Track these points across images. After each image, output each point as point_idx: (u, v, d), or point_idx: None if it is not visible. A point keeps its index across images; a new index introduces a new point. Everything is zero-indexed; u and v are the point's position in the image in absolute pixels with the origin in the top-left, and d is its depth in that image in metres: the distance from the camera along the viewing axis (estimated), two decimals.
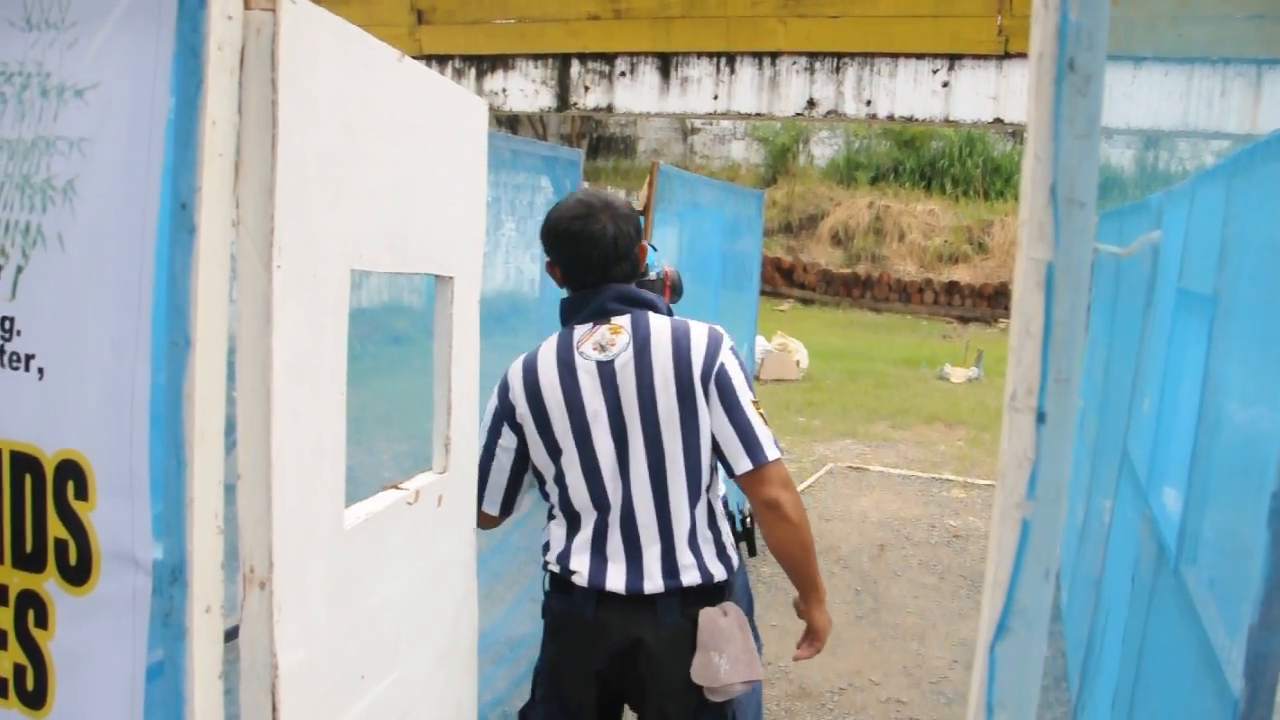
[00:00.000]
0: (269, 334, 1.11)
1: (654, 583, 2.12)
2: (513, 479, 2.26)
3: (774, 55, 6.14)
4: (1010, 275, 21.47)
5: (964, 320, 19.98)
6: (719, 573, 2.17)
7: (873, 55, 5.91)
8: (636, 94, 6.49)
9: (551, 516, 2.26)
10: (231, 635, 1.12)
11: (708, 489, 2.19)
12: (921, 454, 8.43)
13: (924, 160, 24.36)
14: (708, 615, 2.13)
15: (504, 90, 6.75)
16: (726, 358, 2.15)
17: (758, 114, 6.24)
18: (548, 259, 2.27)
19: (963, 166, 23.81)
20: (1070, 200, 0.82)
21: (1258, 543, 1.38)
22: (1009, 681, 0.87)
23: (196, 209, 1.05)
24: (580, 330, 2.19)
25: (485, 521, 2.27)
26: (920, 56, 5.80)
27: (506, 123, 27.35)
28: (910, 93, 5.91)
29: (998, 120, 5.73)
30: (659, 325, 2.17)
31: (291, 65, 1.12)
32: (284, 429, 1.13)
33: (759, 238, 6.32)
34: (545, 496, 2.27)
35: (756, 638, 2.34)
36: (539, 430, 2.17)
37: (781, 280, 22.03)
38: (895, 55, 5.84)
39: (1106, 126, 5.11)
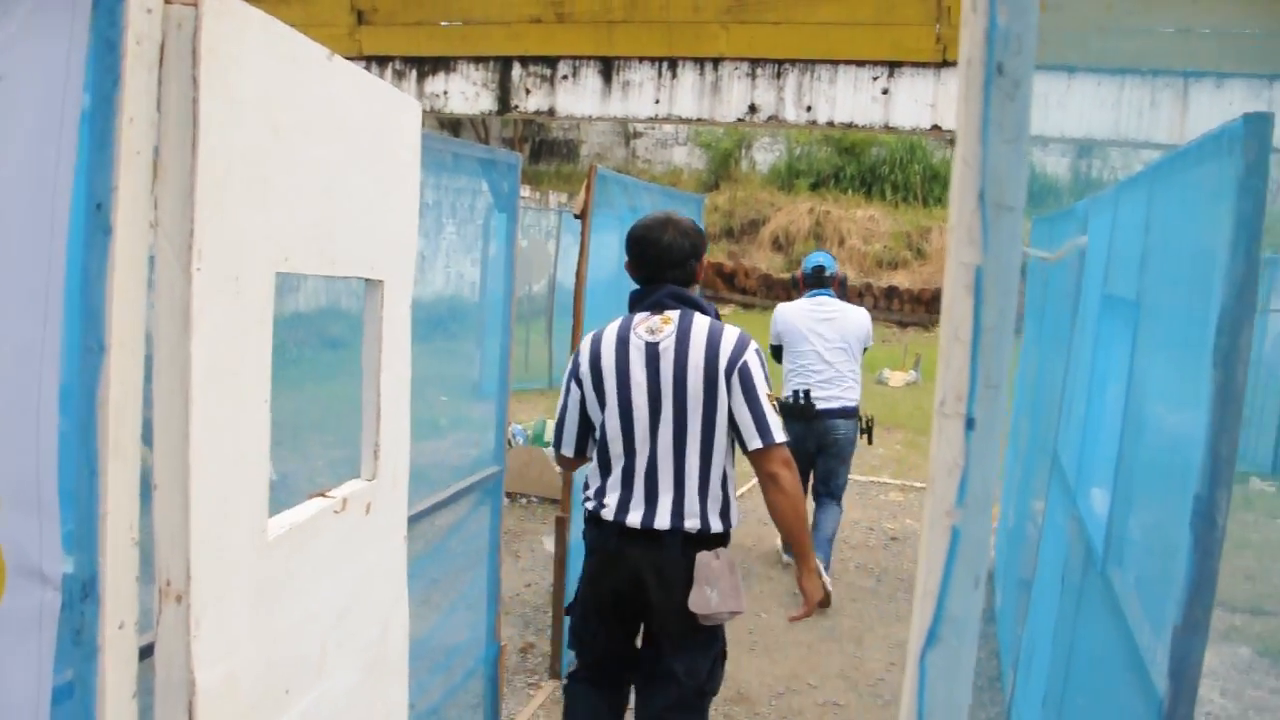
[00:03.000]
0: (187, 339, 1.07)
1: (663, 521, 2.69)
2: (582, 427, 2.87)
3: (716, 61, 6.16)
4: None
5: (902, 325, 20.25)
6: (717, 525, 2.73)
7: (814, 62, 5.94)
8: (578, 97, 6.48)
9: (593, 461, 2.86)
10: (147, 653, 1.08)
11: (723, 457, 2.73)
12: (860, 457, 8.49)
13: (864, 167, 24.65)
14: (703, 557, 2.68)
15: (445, 92, 6.70)
16: (750, 357, 2.72)
17: (699, 119, 6.25)
18: (626, 258, 2.90)
19: (902, 173, 24.14)
20: (999, 205, 0.82)
21: (1181, 544, 1.39)
22: (939, 690, 0.86)
23: (113, 209, 1.01)
24: (639, 316, 2.80)
25: (565, 464, 3.03)
26: (860, 64, 5.84)
27: (449, 125, 27.17)
28: (850, 99, 5.96)
29: (936, 127, 5.80)
30: (700, 323, 2.74)
31: (214, 62, 1.09)
32: (203, 437, 1.10)
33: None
34: (594, 442, 2.86)
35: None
36: (594, 387, 2.78)
37: (723, 285, 22.14)
38: (836, 62, 5.88)
39: (1041, 135, 5.20)
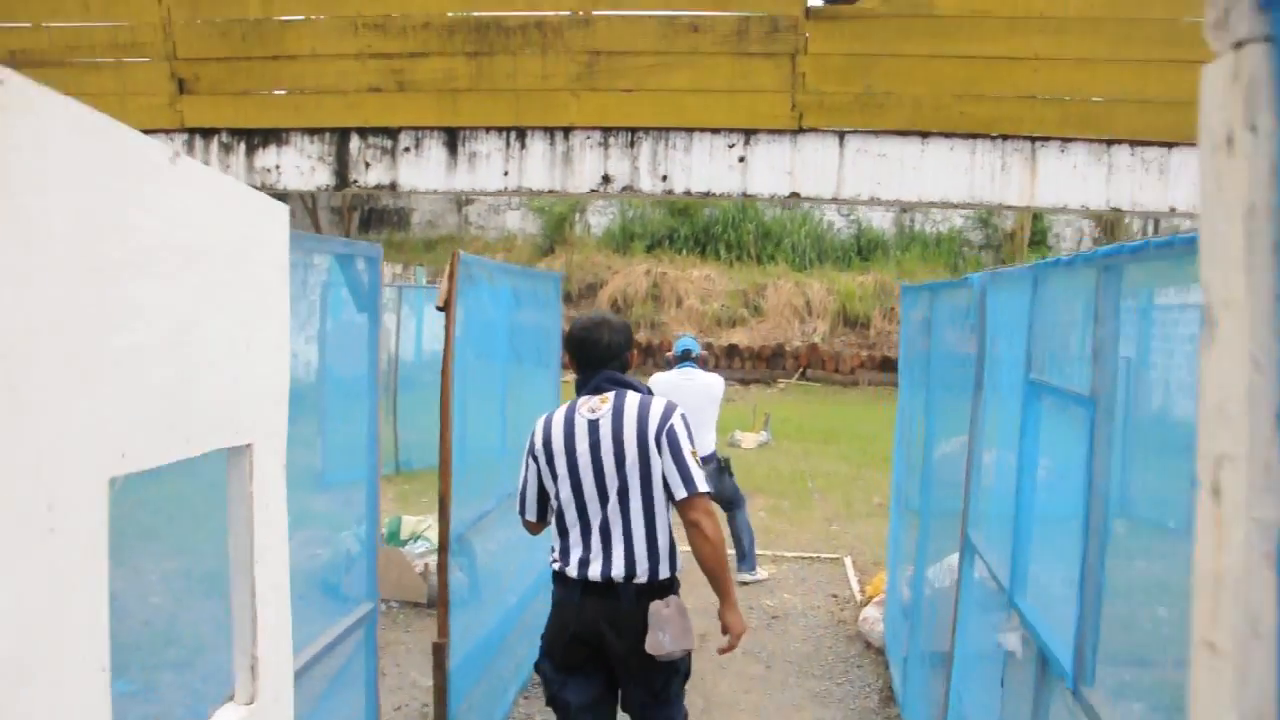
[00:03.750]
0: None
1: (618, 572, 3.10)
2: (541, 497, 3.31)
3: (567, 130, 5.93)
4: (785, 336, 22.13)
5: (745, 383, 20.39)
6: (664, 573, 3.15)
7: (668, 130, 5.78)
8: (421, 170, 6.13)
9: (554, 524, 3.28)
10: None
11: (664, 511, 3.15)
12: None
13: (698, 227, 24.98)
14: (654, 606, 3.09)
15: (278, 167, 6.23)
16: (675, 421, 3.16)
17: (551, 190, 6.00)
18: (566, 354, 3.45)
19: (735, 232, 24.56)
20: None
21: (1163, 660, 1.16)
22: None
23: None
24: (582, 399, 3.26)
25: (531, 528, 3.43)
26: (716, 131, 5.72)
27: (278, 195, 26.21)
28: (707, 167, 5.82)
29: (794, 194, 5.71)
30: (632, 399, 3.21)
31: (4, 176, 0.73)
32: None
33: (558, 318, 6.06)
34: (552, 510, 3.28)
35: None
36: (547, 463, 3.21)
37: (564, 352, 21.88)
38: (691, 130, 5.73)
39: (899, 200, 5.09)
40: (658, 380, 6.80)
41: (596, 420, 3.16)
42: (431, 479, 3.89)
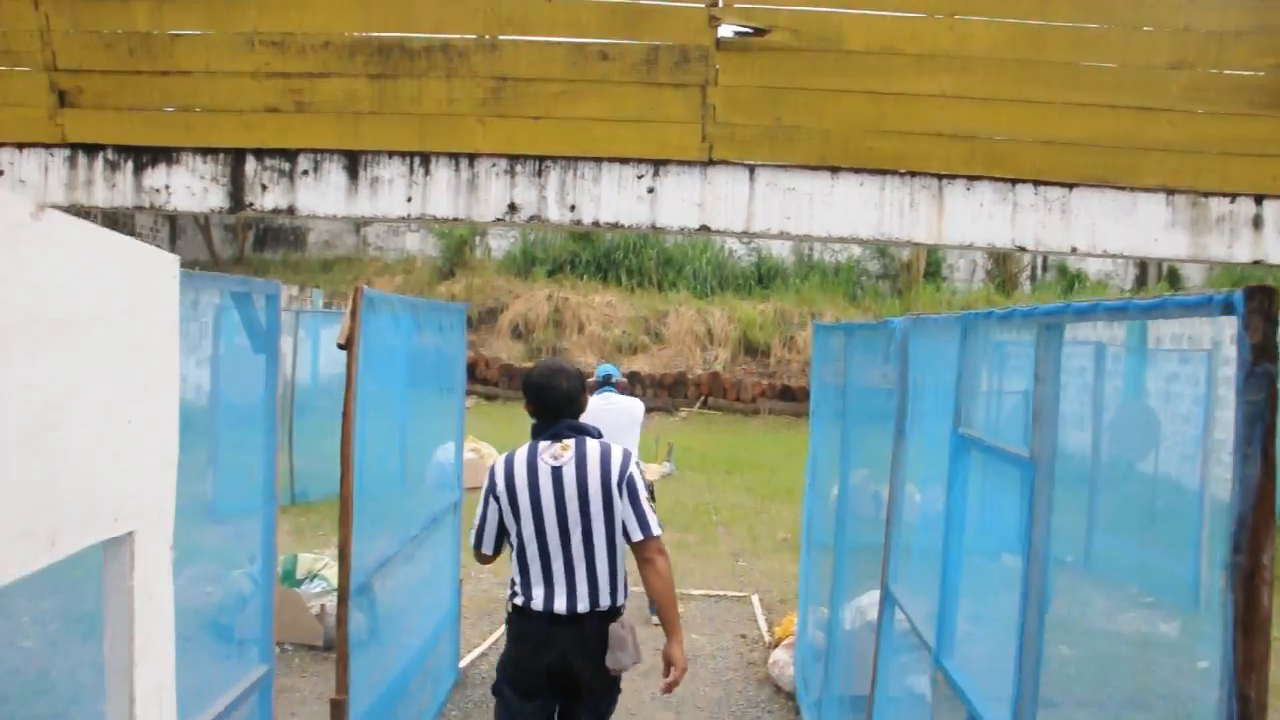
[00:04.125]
0: None
1: (584, 604, 3.40)
2: (499, 533, 3.55)
3: (472, 157, 5.78)
4: (687, 364, 22.16)
5: (648, 411, 20.30)
6: (620, 599, 3.50)
7: (576, 159, 5.68)
8: (321, 194, 5.91)
9: (514, 560, 3.52)
10: None
11: (620, 548, 3.47)
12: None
13: (599, 252, 24.93)
14: (613, 629, 3.43)
15: (167, 187, 5.95)
16: (633, 470, 3.48)
17: (455, 218, 5.83)
18: (526, 401, 3.63)
19: (637, 258, 24.58)
20: None
21: None
22: None
23: None
24: (543, 444, 3.50)
25: (485, 560, 3.66)
26: (625, 161, 5.64)
27: (166, 219, 25.31)
28: (615, 198, 5.74)
29: (704, 227, 5.65)
30: (593, 446, 3.50)
31: None
32: None
33: (463, 348, 5.88)
34: (511, 546, 3.53)
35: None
36: (509, 503, 3.46)
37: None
38: (600, 159, 5.63)
39: (809, 235, 5.07)
40: (615, 399, 7.17)
41: (559, 467, 3.43)
42: (329, 510, 3.71)
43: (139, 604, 1.06)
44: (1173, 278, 24.55)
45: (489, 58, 5.49)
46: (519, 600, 3.46)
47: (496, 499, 3.49)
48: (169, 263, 1.13)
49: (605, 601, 3.42)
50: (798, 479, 12.93)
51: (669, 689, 3.54)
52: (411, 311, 4.85)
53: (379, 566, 4.00)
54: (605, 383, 7.44)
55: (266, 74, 5.59)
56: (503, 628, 6.27)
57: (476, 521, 3.57)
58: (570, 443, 3.47)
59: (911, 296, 23.06)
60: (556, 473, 3.41)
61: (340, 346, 3.21)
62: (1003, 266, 24.56)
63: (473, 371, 21.52)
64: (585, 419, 6.17)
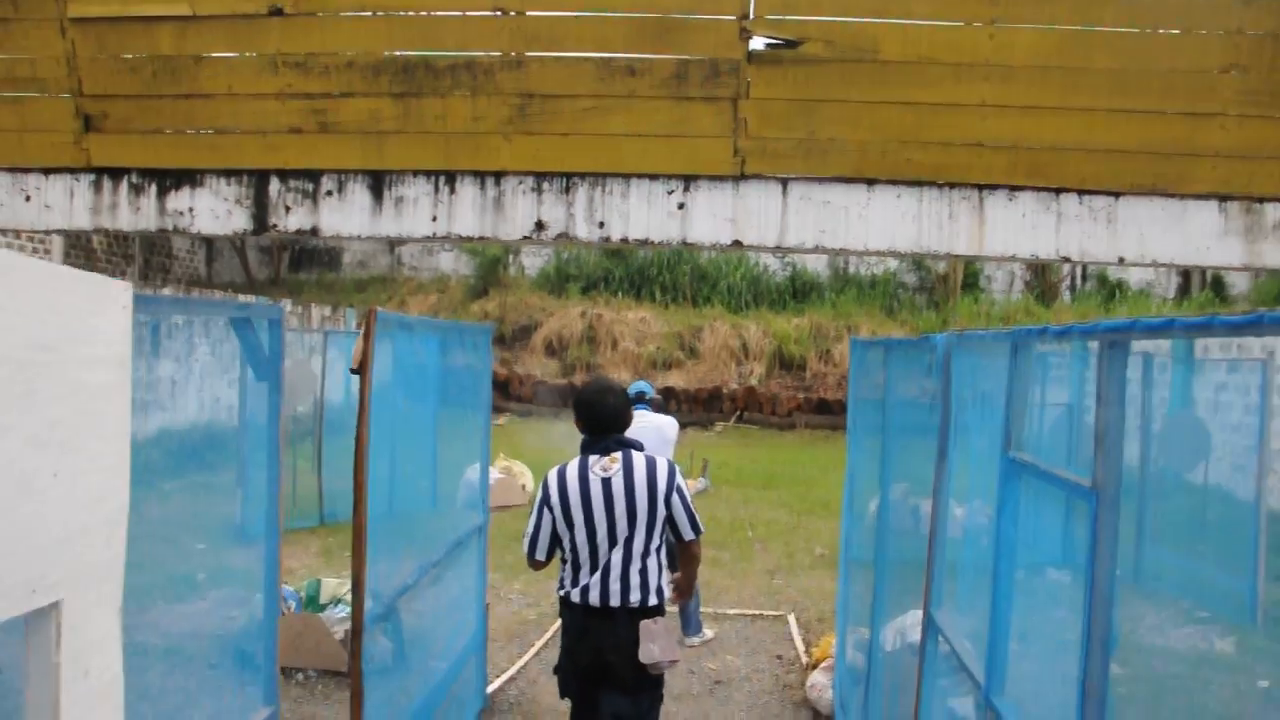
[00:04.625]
0: None
1: (616, 601, 3.74)
2: (552, 542, 3.89)
3: (498, 175, 5.68)
4: (722, 379, 21.99)
5: (682, 426, 20.12)
6: (653, 600, 3.79)
7: (605, 175, 5.56)
8: (345, 215, 5.83)
9: (564, 562, 3.89)
10: None
11: (659, 552, 3.82)
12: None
13: (633, 269, 24.83)
14: (645, 624, 3.74)
15: (191, 210, 5.90)
16: (679, 481, 3.89)
17: (481, 236, 5.72)
18: (576, 417, 4.03)
19: (670, 274, 24.46)
20: None
21: None
22: None
23: None
24: (593, 458, 3.86)
25: (538, 566, 3.99)
26: (654, 177, 5.51)
27: (201, 239, 25.62)
28: (645, 214, 5.60)
29: (736, 243, 5.50)
30: (638, 459, 3.85)
31: None
32: None
33: (488, 368, 5.75)
34: (563, 552, 3.88)
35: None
36: (562, 513, 3.81)
37: (497, 394, 21.47)
38: (628, 175, 5.51)
39: (845, 249, 4.92)
40: (649, 417, 6.91)
41: (609, 478, 3.80)
42: None
43: (68, 683, 0.92)
44: (1217, 285, 24.07)
45: (514, 74, 5.39)
46: (563, 593, 3.88)
47: (550, 509, 3.85)
48: (119, 292, 1.00)
49: (636, 597, 3.74)
50: (834, 493, 12.73)
51: (678, 593, 4.20)
52: (432, 332, 4.73)
53: (398, 595, 3.87)
54: (638, 400, 7.17)
55: (290, 95, 5.53)
56: (532, 651, 6.19)
57: (530, 530, 3.91)
58: (618, 455, 3.85)
59: (949, 309, 22.75)
60: (606, 484, 3.79)
61: (353, 371, 3.08)
62: (1042, 277, 24.18)
63: (506, 389, 21.45)
64: None
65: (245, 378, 9.33)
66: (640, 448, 3.95)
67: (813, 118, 5.14)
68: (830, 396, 20.73)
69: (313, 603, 5.94)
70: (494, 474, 11.52)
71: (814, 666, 5.78)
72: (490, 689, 5.62)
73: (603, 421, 3.93)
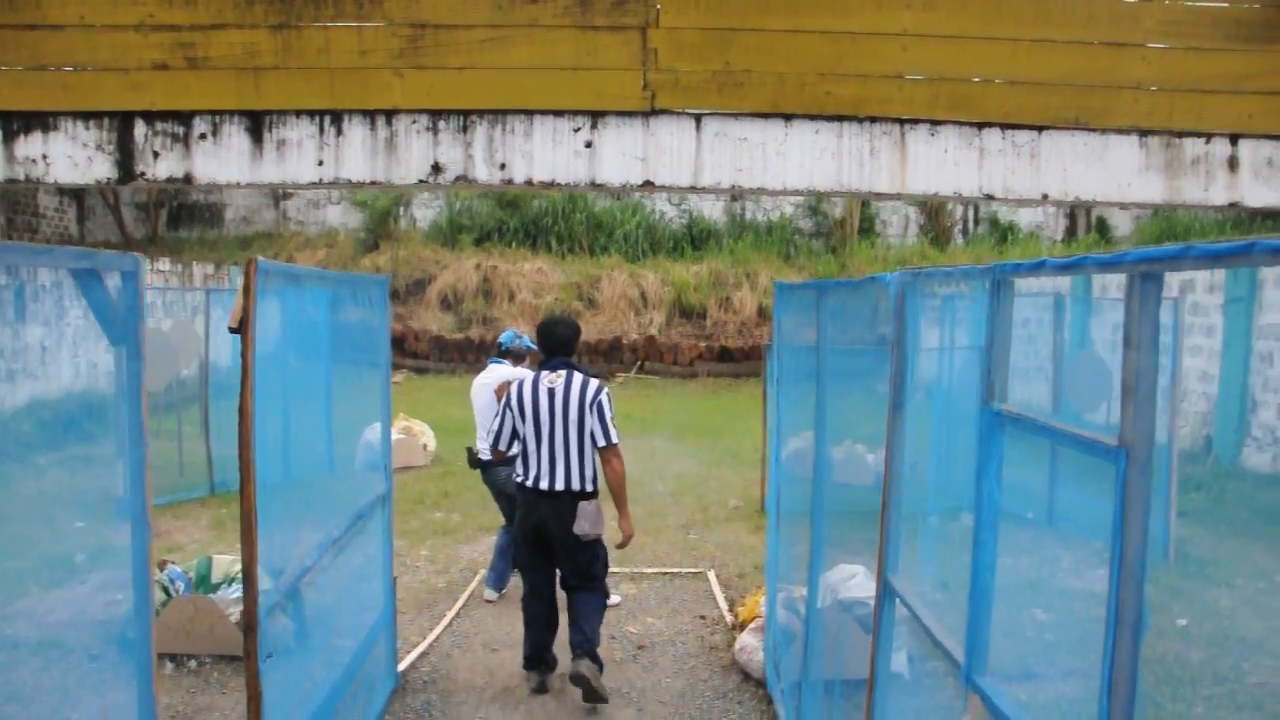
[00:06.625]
0: None
1: (560, 485, 4.91)
2: (511, 435, 5.06)
3: (390, 113, 5.25)
4: (622, 329, 21.71)
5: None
6: (589, 486, 4.95)
7: (505, 112, 5.17)
8: (222, 161, 5.32)
9: (520, 453, 5.04)
10: None
11: (591, 450, 4.95)
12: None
13: (527, 219, 24.29)
14: (582, 504, 4.92)
15: (45, 157, 5.32)
16: (602, 398, 5.00)
17: (373, 182, 5.29)
18: (537, 341, 5.37)
19: (566, 224, 23.99)
20: None
21: None
22: None
23: None
24: (544, 374, 5.04)
25: (501, 455, 5.31)
26: (559, 113, 5.15)
27: (69, 192, 23.99)
28: (550, 154, 5.24)
29: (648, 183, 5.19)
30: (576, 378, 5.01)
31: None
32: None
33: (386, 322, 5.33)
34: (520, 445, 5.04)
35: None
36: (519, 412, 5.01)
37: (394, 351, 20.83)
38: (531, 112, 5.13)
39: (762, 188, 4.63)
40: (494, 372, 6.65)
41: (554, 389, 4.96)
42: None
43: None
44: (1100, 227, 24.66)
45: (404, 3, 4.97)
46: (519, 478, 5.02)
47: (511, 410, 5.04)
48: None
49: (576, 484, 4.90)
50: (743, 442, 12.62)
51: (622, 546, 5.24)
52: (322, 285, 4.33)
53: (298, 579, 3.50)
54: (499, 352, 6.88)
55: (153, 26, 5.00)
56: (443, 624, 5.86)
57: (495, 426, 5.12)
58: (562, 373, 5.00)
59: (846, 253, 22.82)
60: (550, 393, 4.96)
61: (232, 330, 2.69)
62: (936, 220, 24.44)
63: (402, 345, 20.83)
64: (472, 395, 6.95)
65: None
66: (585, 371, 5.08)
67: (727, 48, 4.85)
68: (732, 344, 20.66)
69: (204, 583, 5.50)
70: (394, 434, 11.05)
71: (740, 627, 5.58)
72: (402, 666, 5.29)
73: (553, 344, 5.15)
